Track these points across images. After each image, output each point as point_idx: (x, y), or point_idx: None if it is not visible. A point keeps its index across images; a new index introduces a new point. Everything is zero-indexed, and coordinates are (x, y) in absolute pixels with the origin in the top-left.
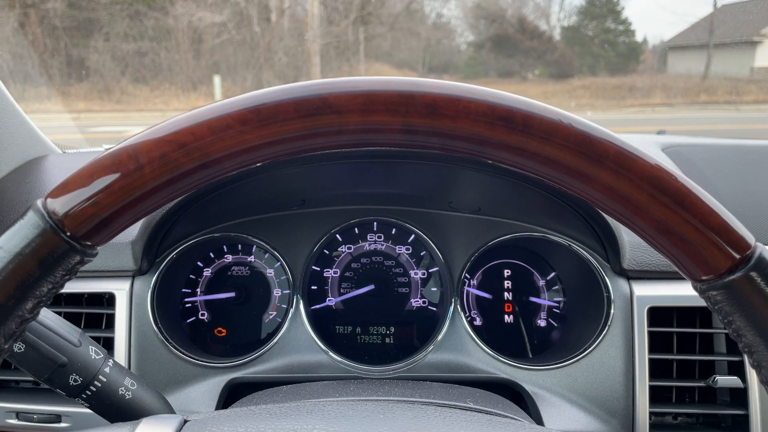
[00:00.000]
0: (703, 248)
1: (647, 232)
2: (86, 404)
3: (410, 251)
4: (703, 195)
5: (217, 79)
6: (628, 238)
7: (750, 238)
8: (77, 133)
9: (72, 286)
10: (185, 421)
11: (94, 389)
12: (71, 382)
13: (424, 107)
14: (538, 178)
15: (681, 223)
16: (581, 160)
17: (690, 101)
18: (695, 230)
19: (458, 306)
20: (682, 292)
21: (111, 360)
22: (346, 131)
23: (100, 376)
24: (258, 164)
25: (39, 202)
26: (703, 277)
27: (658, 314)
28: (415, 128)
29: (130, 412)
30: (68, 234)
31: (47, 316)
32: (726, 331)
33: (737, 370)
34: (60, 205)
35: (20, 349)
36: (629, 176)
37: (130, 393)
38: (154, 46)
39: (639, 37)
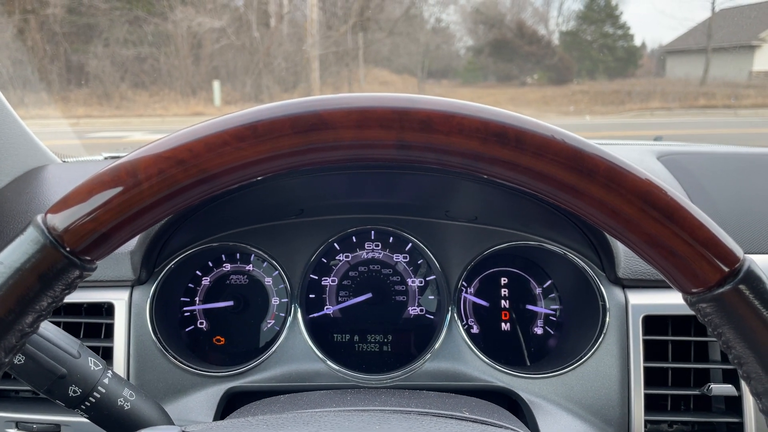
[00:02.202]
0: (692, 261)
1: (638, 246)
2: (85, 415)
3: (407, 260)
4: (692, 209)
5: (216, 85)
6: (623, 247)
7: (738, 251)
8: (75, 139)
9: (71, 296)
10: None
11: (93, 400)
12: (71, 393)
13: (418, 123)
14: (531, 191)
15: (670, 236)
16: (572, 174)
17: (688, 105)
18: (684, 244)
19: (455, 314)
20: (676, 300)
21: (110, 371)
22: (341, 147)
23: (99, 387)
24: (256, 179)
25: (39, 218)
26: (693, 290)
27: (653, 323)
28: (409, 144)
29: (129, 423)
30: (68, 249)
31: (47, 327)
32: None
33: (732, 378)
34: (60, 221)
35: (20, 361)
36: (619, 191)
37: (128, 404)
38: (153, 52)
39: (637, 42)
